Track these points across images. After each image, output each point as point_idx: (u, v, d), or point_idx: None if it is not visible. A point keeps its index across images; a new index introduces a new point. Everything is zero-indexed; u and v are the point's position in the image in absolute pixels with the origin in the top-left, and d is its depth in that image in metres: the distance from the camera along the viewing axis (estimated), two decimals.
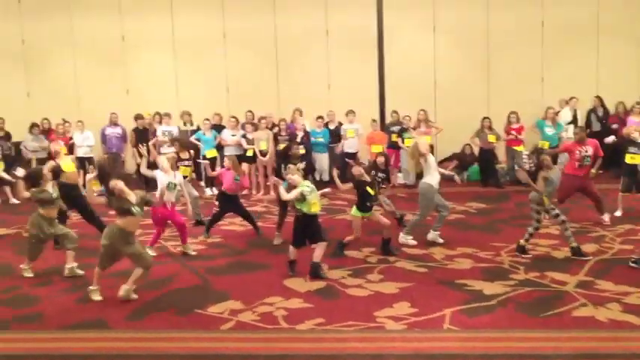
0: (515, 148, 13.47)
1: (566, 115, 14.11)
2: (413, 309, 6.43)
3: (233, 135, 13.73)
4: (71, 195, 9.30)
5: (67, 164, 9.68)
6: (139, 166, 13.81)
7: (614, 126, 13.77)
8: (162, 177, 8.80)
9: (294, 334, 5.92)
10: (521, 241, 8.24)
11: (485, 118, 13.57)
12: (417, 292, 6.95)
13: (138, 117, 14.17)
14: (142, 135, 13.98)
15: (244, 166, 10.82)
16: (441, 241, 8.93)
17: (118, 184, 6.92)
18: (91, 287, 7.08)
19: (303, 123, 13.78)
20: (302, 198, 7.42)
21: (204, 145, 13.48)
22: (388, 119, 14.36)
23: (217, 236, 9.74)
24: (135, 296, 6.96)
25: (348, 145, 13.88)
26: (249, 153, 13.29)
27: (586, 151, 9.79)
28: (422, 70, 15.53)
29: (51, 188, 7.98)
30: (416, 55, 15.60)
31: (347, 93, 15.16)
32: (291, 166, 7.97)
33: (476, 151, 13.90)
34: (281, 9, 15.68)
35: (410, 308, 6.46)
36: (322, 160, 13.73)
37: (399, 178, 13.98)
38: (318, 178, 13.59)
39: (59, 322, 6.39)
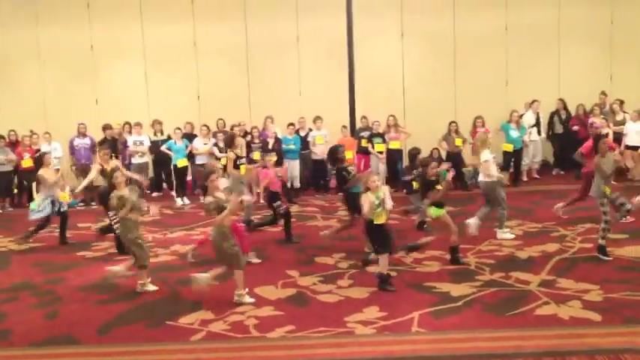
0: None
1: (529, 118, 14.38)
2: (382, 313, 6.55)
3: (205, 143, 13.76)
4: None
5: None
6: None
7: (575, 128, 14.07)
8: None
9: (264, 343, 5.99)
10: (600, 241, 8.09)
11: (452, 122, 13.80)
12: (386, 296, 7.07)
13: (106, 127, 14.07)
14: (111, 145, 13.90)
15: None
16: (512, 236, 9.23)
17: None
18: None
19: (274, 130, 13.85)
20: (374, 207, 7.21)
21: (176, 155, 13.48)
22: (358, 125, 14.49)
23: (189, 246, 9.75)
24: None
25: (317, 152, 13.96)
26: (223, 161, 13.29)
27: None
28: (391, 75, 15.70)
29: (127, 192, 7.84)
30: (385, 61, 15.77)
31: (318, 99, 15.25)
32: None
33: (443, 154, 14.08)
34: (251, 16, 15.72)
35: (379, 312, 6.57)
36: (294, 166, 13.80)
37: None
38: (289, 185, 13.66)
39: (28, 339, 6.34)
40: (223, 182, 8.73)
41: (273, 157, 10.10)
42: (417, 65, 15.72)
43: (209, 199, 7.04)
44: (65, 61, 15.79)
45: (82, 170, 13.91)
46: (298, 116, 14.44)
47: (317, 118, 14.17)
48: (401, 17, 15.65)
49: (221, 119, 14.32)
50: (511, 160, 13.85)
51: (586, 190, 9.50)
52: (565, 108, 14.63)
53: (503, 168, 13.81)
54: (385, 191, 7.34)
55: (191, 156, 13.85)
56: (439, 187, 8.23)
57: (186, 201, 13.45)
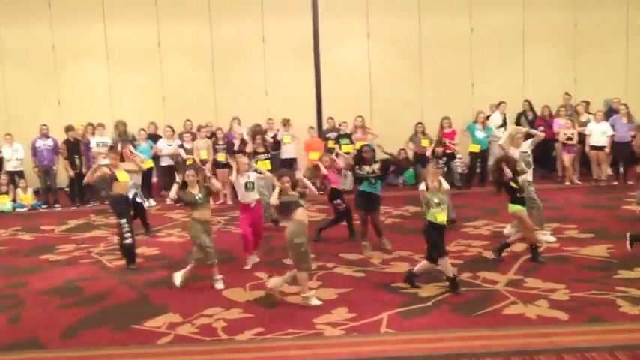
0: (448, 152, 13.79)
1: (496, 119, 14.55)
2: (351, 314, 6.52)
3: (169, 145, 13.61)
4: None
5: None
6: (71, 178, 13.57)
7: (541, 129, 14.23)
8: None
9: (233, 345, 5.92)
10: None
11: (418, 123, 13.89)
12: (355, 296, 7.05)
13: (69, 129, 13.83)
14: (74, 147, 13.68)
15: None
16: (553, 238, 9.05)
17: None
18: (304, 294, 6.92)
19: (240, 132, 13.75)
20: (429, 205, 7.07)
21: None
22: (325, 126, 14.49)
23: (155, 248, 9.62)
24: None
25: (285, 152, 13.92)
26: (189, 162, 13.15)
27: None
28: (358, 76, 15.76)
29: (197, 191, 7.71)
30: (351, 62, 15.83)
31: (284, 100, 15.24)
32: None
33: (411, 155, 14.19)
34: (217, 17, 15.62)
35: (348, 313, 6.54)
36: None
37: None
38: None
39: None
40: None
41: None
42: (384, 66, 15.81)
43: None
44: (27, 62, 15.50)
45: (45, 172, 13.66)
46: (264, 117, 14.38)
47: (286, 122, 14.12)
48: (367, 18, 15.72)
49: (189, 120, 14.18)
50: (477, 161, 13.99)
51: None
52: (531, 109, 14.84)
53: (470, 168, 13.98)
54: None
55: (156, 157, 13.67)
56: (513, 184, 8.02)
57: (152, 202, 13.28)
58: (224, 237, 9.87)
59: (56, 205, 13.39)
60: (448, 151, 12.44)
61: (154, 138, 13.97)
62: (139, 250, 9.38)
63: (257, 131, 11.92)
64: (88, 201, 13.74)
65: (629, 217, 10.27)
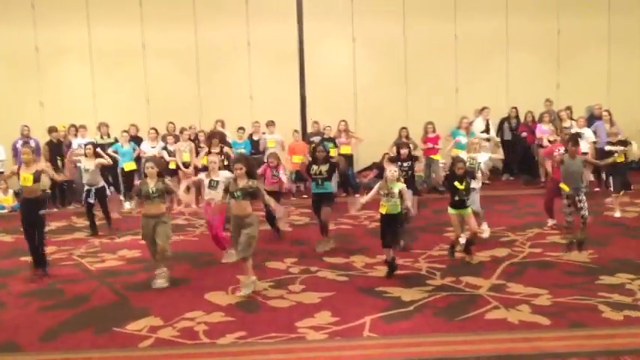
0: (432, 156, 13.87)
1: (479, 125, 14.61)
2: (334, 318, 6.50)
3: (153, 147, 13.52)
4: None
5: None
6: (52, 179, 13.42)
7: (524, 134, 14.39)
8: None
9: (214, 349, 5.87)
10: None
11: (402, 128, 13.87)
12: (337, 300, 7.03)
13: (51, 130, 13.70)
14: (57, 148, 13.54)
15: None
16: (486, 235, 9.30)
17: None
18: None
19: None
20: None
21: (122, 158, 13.21)
22: (310, 129, 14.48)
23: (137, 250, 9.54)
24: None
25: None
26: (172, 165, 13.06)
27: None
28: (342, 80, 15.78)
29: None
30: (336, 66, 15.85)
31: (269, 104, 15.21)
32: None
33: None
34: (202, 19, 15.56)
35: (331, 317, 6.52)
36: None
37: None
38: None
39: None
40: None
41: None
42: (369, 71, 15.84)
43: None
44: (9, 63, 15.36)
45: None
46: (249, 120, 14.35)
47: (269, 123, 14.09)
48: (352, 22, 15.74)
49: (171, 123, 14.10)
50: None
51: None
52: (516, 116, 14.93)
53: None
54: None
55: (139, 159, 13.57)
56: (457, 184, 8.18)
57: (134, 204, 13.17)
58: (205, 240, 9.81)
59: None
60: (415, 154, 12.13)
61: (137, 140, 13.87)
62: (120, 253, 9.31)
63: (214, 134, 11.89)
64: (69, 203, 13.63)
65: (612, 224, 10.36)
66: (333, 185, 9.65)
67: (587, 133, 13.45)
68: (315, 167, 9.16)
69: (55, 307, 7.06)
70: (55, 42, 15.32)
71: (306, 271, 8.22)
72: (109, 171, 13.74)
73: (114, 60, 15.52)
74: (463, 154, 9.19)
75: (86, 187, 10.66)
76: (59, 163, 13.51)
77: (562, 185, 8.54)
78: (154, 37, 15.53)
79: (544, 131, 13.77)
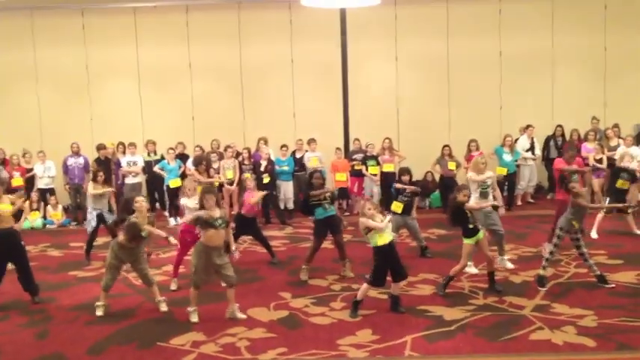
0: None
1: (524, 143, 14.43)
2: (375, 336, 6.51)
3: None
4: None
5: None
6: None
7: None
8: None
9: None
10: None
11: (445, 145, 13.82)
12: (379, 319, 7.03)
13: (100, 147, 14.04)
14: (105, 165, 13.87)
15: None
16: (511, 265, 8.99)
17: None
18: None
19: (267, 152, 13.85)
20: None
21: (168, 175, 13.44)
22: (352, 147, 14.52)
23: (181, 267, 9.67)
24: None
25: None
26: (216, 182, 13.24)
27: None
28: (385, 98, 15.77)
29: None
30: (379, 84, 15.87)
31: (312, 121, 15.30)
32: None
33: (437, 178, 14.13)
34: (246, 38, 15.79)
35: (372, 335, 6.53)
36: (287, 188, 13.76)
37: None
38: (282, 206, 13.64)
39: (17, 358, 6.28)
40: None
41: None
42: (412, 88, 15.81)
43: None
44: (61, 81, 15.81)
45: (75, 189, 13.88)
46: (292, 138, 14.46)
47: (311, 140, 14.20)
48: (395, 41, 15.74)
49: (215, 140, 14.33)
50: (505, 184, 13.88)
51: None
52: (562, 134, 14.70)
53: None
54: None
55: (184, 176, 13.80)
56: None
57: (180, 221, 13.34)
58: (249, 256, 9.91)
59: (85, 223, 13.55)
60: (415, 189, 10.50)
61: (183, 157, 14.12)
62: (165, 268, 9.48)
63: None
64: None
65: None
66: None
67: (635, 151, 13.15)
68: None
69: (101, 321, 7.23)
70: (105, 60, 15.74)
71: (348, 288, 8.24)
72: (155, 187, 14.10)
73: (161, 78, 15.86)
74: (475, 177, 8.78)
75: (97, 212, 10.41)
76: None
77: (574, 222, 8.09)
78: (199, 56, 15.82)
79: (589, 150, 13.53)
